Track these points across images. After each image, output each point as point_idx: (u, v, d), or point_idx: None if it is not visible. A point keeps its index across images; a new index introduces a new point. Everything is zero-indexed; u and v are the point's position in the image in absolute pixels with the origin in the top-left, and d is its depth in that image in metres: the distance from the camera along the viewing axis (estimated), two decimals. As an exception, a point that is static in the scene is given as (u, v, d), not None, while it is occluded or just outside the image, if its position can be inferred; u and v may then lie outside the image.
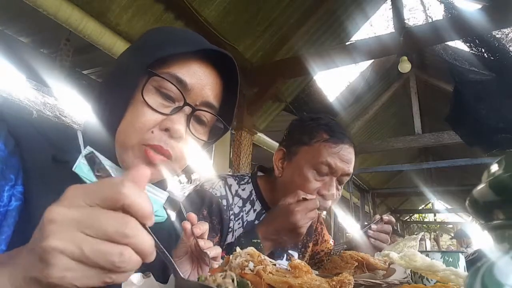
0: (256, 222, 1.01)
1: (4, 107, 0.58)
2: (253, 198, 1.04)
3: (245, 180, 1.08)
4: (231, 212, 0.97)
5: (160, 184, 0.68)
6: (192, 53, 0.64)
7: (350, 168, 1.00)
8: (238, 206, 1.01)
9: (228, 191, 1.01)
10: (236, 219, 0.99)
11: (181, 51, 0.62)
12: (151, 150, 0.59)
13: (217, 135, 0.74)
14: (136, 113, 0.60)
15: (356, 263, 0.81)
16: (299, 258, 1.18)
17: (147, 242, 0.34)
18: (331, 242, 1.33)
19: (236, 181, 1.06)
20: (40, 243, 0.31)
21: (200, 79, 0.65)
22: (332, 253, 1.27)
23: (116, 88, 0.63)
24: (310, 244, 1.27)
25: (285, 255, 1.13)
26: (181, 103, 0.63)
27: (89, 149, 0.60)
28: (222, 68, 0.69)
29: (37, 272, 0.32)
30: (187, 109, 0.63)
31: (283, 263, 1.05)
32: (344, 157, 0.98)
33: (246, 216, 1.01)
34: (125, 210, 0.33)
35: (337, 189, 1.01)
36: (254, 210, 1.03)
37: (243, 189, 1.05)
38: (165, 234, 0.76)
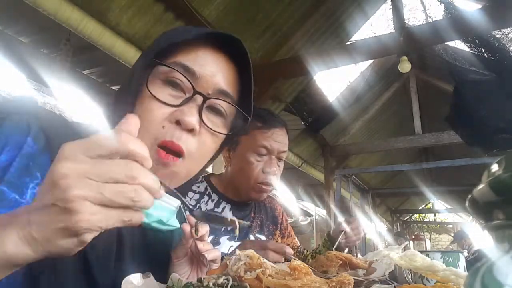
0: (215, 209, 1.19)
1: (41, 107, 0.57)
2: (209, 192, 1.22)
3: (199, 180, 1.26)
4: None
5: (179, 190, 0.65)
6: (199, 41, 0.61)
7: (284, 147, 1.18)
8: (194, 200, 1.19)
9: None
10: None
11: (185, 38, 0.60)
12: (163, 150, 0.57)
13: (239, 127, 0.69)
14: (144, 108, 0.58)
15: (340, 262, 0.87)
16: None
17: (152, 179, 0.38)
18: (296, 241, 1.44)
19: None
20: (59, 196, 0.33)
21: (210, 66, 0.61)
22: (298, 250, 1.40)
23: (124, 87, 0.62)
24: (277, 233, 1.37)
25: (252, 237, 1.26)
26: (191, 93, 0.59)
27: None
28: (233, 55, 0.65)
29: (63, 223, 0.34)
30: (199, 99, 0.59)
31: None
32: (277, 138, 1.16)
33: (206, 206, 1.19)
34: (125, 156, 0.37)
35: (277, 165, 1.19)
36: (212, 200, 1.21)
37: (198, 186, 1.22)
38: (169, 236, 0.76)
